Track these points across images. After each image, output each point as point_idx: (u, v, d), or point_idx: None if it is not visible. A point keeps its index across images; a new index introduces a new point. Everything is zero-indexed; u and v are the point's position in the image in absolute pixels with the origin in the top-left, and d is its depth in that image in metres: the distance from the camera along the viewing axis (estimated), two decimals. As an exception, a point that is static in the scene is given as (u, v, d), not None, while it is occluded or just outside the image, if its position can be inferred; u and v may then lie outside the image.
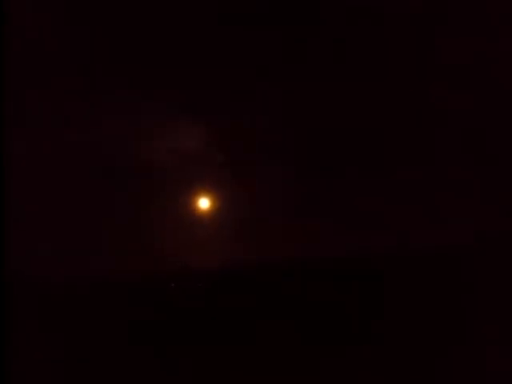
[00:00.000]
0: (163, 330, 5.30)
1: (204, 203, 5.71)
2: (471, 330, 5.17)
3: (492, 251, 5.52)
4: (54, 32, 5.34)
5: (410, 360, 5.07)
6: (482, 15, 5.54)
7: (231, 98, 5.67)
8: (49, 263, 5.29)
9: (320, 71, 5.67)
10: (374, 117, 5.79)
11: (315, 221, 5.72)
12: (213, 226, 5.67)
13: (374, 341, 5.24)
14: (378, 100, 5.81)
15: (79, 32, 5.39)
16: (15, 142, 5.08)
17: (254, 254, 5.61)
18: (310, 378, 5.00)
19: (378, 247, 5.64)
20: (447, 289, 5.50)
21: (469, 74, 5.61)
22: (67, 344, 5.11)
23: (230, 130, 5.70)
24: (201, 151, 5.68)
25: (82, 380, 4.99)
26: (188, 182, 5.72)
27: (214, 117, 5.71)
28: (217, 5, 5.47)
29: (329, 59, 5.68)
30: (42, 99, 5.32)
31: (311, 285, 5.57)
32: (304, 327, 5.29)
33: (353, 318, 5.38)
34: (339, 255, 5.63)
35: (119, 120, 5.51)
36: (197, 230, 5.68)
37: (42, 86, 5.35)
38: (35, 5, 5.24)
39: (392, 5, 5.57)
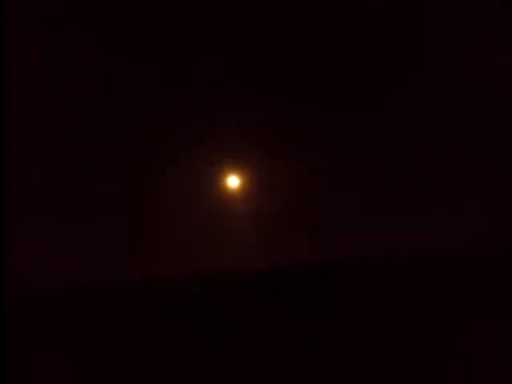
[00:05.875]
0: (165, 332, 5.30)
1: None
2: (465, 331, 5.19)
3: (489, 254, 5.54)
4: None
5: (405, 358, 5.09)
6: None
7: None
8: (50, 265, 5.28)
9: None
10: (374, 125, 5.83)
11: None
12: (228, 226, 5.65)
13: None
14: (379, 101, 5.83)
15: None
16: (15, 144, 5.07)
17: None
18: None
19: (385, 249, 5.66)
20: (445, 290, 5.51)
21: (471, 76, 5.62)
22: (66, 347, 5.09)
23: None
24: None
25: (81, 381, 4.98)
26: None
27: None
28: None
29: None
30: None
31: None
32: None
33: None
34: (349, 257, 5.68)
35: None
36: (202, 231, 5.67)
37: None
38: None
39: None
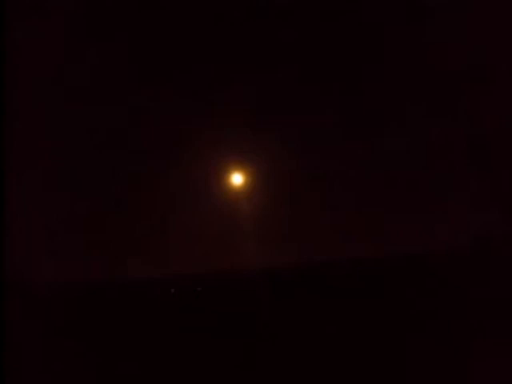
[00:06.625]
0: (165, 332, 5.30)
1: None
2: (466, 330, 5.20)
3: (489, 254, 5.55)
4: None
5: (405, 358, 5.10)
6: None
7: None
8: (50, 265, 5.28)
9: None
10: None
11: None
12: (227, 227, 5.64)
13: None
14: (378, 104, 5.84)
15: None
16: (16, 145, 5.07)
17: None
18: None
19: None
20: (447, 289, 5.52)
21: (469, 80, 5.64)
22: (66, 346, 5.09)
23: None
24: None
25: (81, 381, 4.98)
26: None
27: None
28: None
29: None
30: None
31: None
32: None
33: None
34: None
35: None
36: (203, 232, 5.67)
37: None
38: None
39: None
